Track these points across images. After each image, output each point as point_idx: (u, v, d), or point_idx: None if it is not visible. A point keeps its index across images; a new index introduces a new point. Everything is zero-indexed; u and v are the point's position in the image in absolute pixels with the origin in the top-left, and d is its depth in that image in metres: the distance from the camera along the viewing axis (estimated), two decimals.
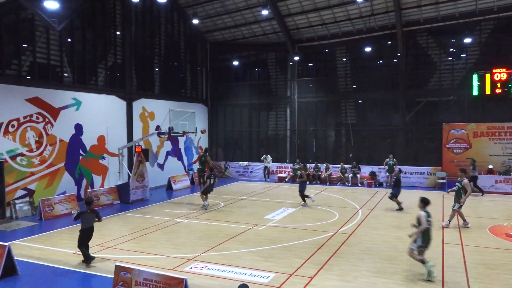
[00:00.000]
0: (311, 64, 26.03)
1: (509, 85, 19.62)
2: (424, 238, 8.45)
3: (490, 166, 20.30)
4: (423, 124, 22.80)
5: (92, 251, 10.36)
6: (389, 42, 23.52)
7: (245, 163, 26.21)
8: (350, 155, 24.58)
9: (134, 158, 18.62)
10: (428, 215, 8.52)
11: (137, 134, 20.80)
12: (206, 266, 9.17)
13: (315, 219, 13.88)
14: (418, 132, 23.06)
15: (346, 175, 22.86)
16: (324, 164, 23.74)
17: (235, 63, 27.09)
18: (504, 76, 19.89)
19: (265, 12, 22.07)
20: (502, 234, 11.88)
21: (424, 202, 8.75)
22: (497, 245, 10.80)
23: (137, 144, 18.47)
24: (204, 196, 15.87)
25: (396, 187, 15.74)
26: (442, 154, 21.73)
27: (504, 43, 21.24)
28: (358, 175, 22.58)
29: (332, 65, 25.20)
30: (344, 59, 24.87)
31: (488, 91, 20.32)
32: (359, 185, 22.31)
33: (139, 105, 21.22)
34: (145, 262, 9.47)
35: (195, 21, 22.11)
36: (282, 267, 9.12)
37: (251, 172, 25.98)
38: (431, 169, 21.67)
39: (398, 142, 23.26)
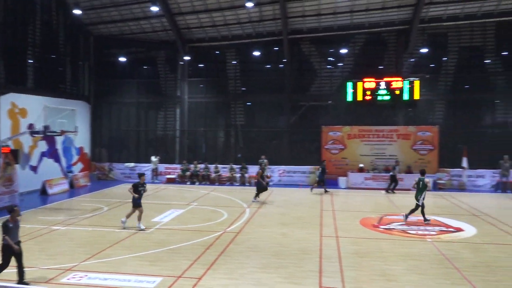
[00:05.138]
0: (201, 65, 26.04)
1: (376, 93, 22.12)
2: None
3: (361, 165, 22.66)
4: (306, 127, 24.46)
5: None
6: (276, 48, 24.71)
7: (132, 164, 25.07)
8: (239, 156, 25.19)
9: (1, 160, 16.44)
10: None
11: (5, 133, 18.41)
12: (86, 276, 8.51)
13: (204, 220, 13.90)
14: (301, 134, 24.67)
15: (234, 175, 23.37)
16: (214, 165, 23.92)
17: (122, 59, 25.73)
18: (373, 85, 22.32)
19: (154, 9, 21.38)
20: (370, 225, 13.32)
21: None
22: (366, 235, 12.08)
23: (4, 144, 16.33)
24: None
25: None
26: (322, 154, 23.58)
27: (373, 56, 23.94)
28: (246, 175, 23.26)
29: (223, 66, 25.56)
30: (234, 62, 25.41)
31: (360, 98, 22.59)
32: (247, 184, 22.99)
33: (7, 100, 18.83)
34: (15, 276, 8.41)
35: (77, 12, 20.44)
36: (169, 270, 8.92)
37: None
38: (312, 168, 23.36)
39: (283, 143, 24.58)
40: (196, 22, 23.76)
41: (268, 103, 25.16)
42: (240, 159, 24.67)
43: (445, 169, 22.19)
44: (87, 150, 25.48)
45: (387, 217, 14.57)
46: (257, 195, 17.65)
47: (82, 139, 24.34)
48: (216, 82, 25.64)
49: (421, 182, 13.21)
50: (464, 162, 21.27)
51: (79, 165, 24.39)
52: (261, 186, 17.71)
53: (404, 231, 12.49)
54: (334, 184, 21.97)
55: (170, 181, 23.80)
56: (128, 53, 26.03)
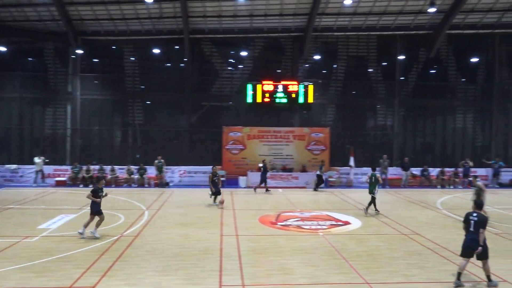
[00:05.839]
0: (96, 60, 24.51)
1: (275, 96, 23.11)
2: None
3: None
4: (207, 127, 24.52)
5: None
6: (177, 47, 24.35)
7: (14, 166, 22.55)
8: (137, 156, 24.27)
9: None
10: None
11: None
12: None
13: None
14: (202, 134, 24.68)
15: (132, 176, 22.45)
16: (110, 166, 22.66)
17: (2, 48, 22.99)
18: (271, 88, 23.25)
19: None
20: (268, 222, 13.87)
21: None
22: (264, 232, 12.55)
23: None
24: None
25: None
26: (222, 154, 23.85)
27: (271, 60, 25.01)
28: (145, 176, 22.51)
29: (120, 62, 24.43)
30: (133, 58, 24.42)
31: (259, 99, 23.36)
32: (146, 186, 22.26)
33: None
34: None
35: None
36: (58, 280, 8.24)
37: (21, 176, 22.52)
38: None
39: (184, 143, 24.32)
40: (91, 13, 22.27)
41: (168, 103, 24.69)
42: (139, 159, 23.77)
43: (335, 167, 24.09)
44: None
45: (284, 214, 15.32)
46: (214, 197, 16.99)
47: None
48: (113, 78, 24.37)
49: (373, 177, 14.79)
50: (351, 161, 23.34)
51: None
52: (216, 189, 16.88)
53: (299, 226, 13.26)
54: (235, 184, 22.39)
55: (60, 184, 21.94)
56: (9, 42, 23.38)
